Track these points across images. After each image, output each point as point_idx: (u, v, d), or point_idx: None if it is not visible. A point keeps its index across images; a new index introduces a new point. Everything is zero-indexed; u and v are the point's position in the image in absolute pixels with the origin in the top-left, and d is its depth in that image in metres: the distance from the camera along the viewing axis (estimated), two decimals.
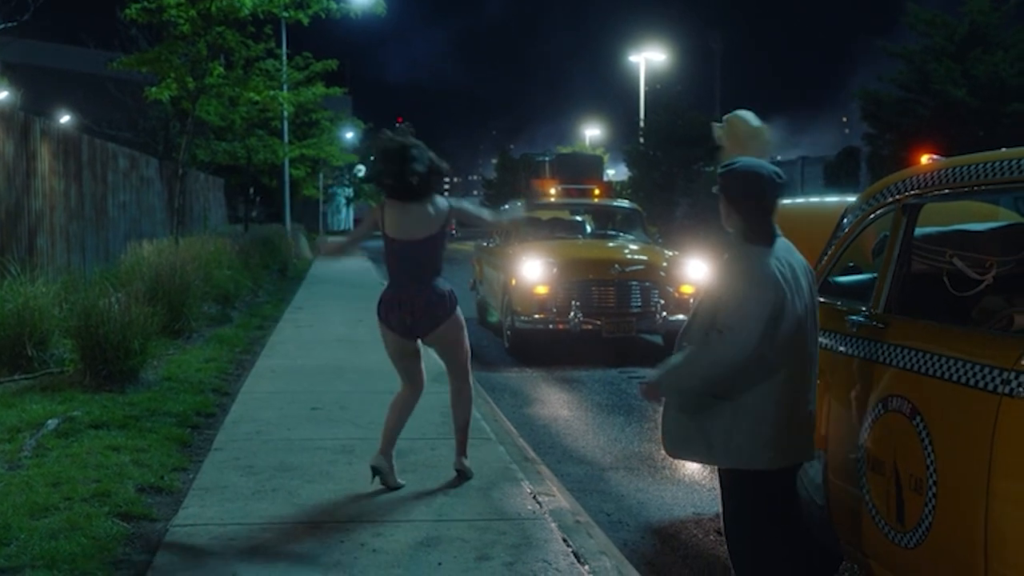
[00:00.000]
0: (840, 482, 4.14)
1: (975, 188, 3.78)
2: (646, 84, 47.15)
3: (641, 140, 42.94)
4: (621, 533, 5.60)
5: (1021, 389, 3.11)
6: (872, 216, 4.48)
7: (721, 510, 4.03)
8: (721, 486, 3.99)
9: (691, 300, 4.38)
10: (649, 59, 48.75)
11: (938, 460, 3.44)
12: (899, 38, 26.69)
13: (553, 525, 5.13)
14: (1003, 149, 3.81)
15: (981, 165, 3.72)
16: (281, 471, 6.04)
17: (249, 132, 27.71)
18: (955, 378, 3.40)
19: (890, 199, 4.31)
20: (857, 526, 4.00)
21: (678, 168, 38.60)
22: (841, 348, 4.21)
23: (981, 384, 3.27)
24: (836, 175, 33.67)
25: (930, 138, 22.46)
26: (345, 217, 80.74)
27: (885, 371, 3.85)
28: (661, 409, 4.00)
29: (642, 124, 43.94)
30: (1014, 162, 3.53)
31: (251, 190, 37.25)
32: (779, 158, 58.44)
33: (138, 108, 25.74)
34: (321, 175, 50.25)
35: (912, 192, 4.14)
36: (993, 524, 3.17)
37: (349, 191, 74.02)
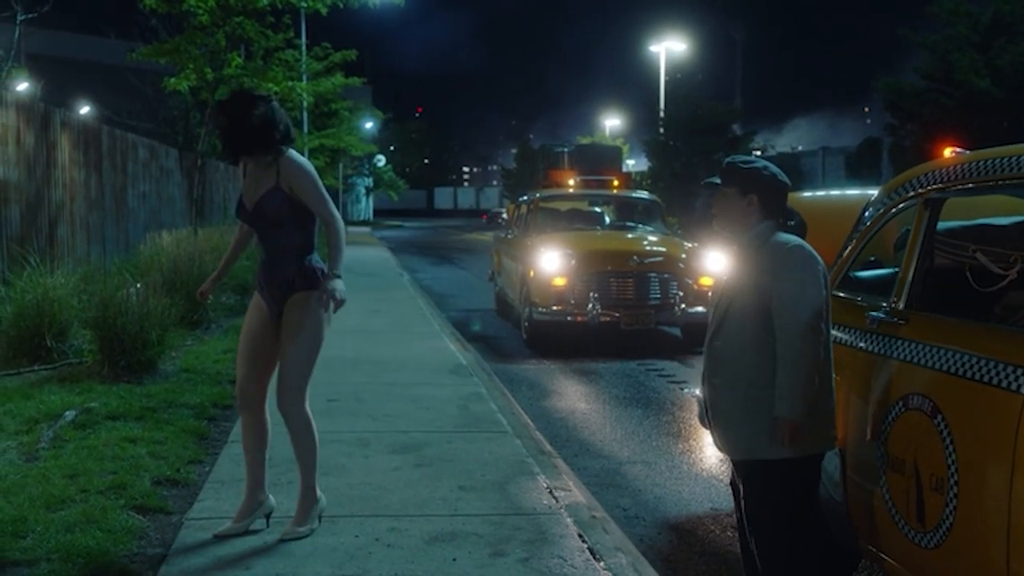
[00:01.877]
0: (859, 480, 4.09)
1: (1000, 183, 3.71)
2: (666, 74, 46.96)
3: (661, 130, 42.81)
4: (638, 529, 5.56)
5: None
6: (894, 210, 4.42)
7: (752, 506, 3.90)
8: (759, 480, 3.82)
9: (710, 293, 4.29)
10: (669, 49, 48.53)
11: (959, 460, 3.38)
12: (923, 29, 26.43)
13: (569, 520, 5.10)
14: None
15: (1006, 159, 3.65)
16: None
17: None
18: (978, 377, 3.34)
19: (912, 193, 4.24)
20: (876, 525, 3.95)
21: (698, 158, 38.45)
22: (861, 344, 4.15)
23: (1004, 383, 3.21)
24: (857, 166, 33.52)
25: (953, 129, 22.32)
26: (365, 207, 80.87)
27: (906, 368, 3.79)
28: (712, 418, 3.90)
29: (662, 114, 43.78)
30: None
31: None
32: (800, 148, 58.21)
33: (158, 99, 25.86)
34: (341, 165, 50.30)
35: (935, 186, 4.07)
36: (1015, 525, 3.11)
37: (369, 181, 74.17)
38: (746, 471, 3.86)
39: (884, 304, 4.16)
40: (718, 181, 3.97)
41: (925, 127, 25.18)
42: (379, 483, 5.67)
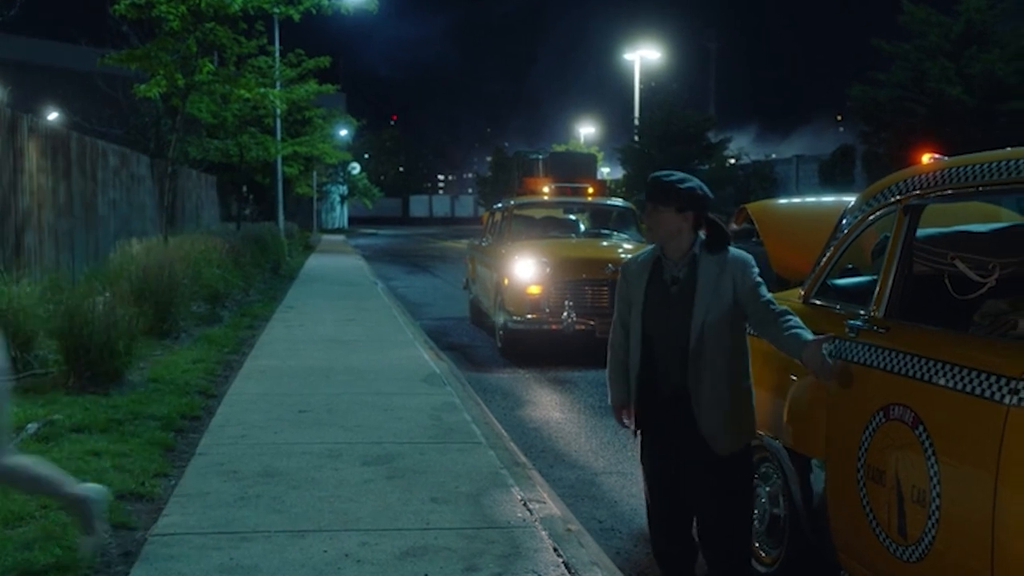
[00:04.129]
0: (838, 491, 4.01)
1: (980, 189, 3.64)
2: (641, 82, 47.05)
3: (636, 138, 42.86)
4: (614, 541, 5.47)
5: None
6: (872, 217, 4.35)
7: (737, 494, 4.11)
8: (743, 465, 4.12)
9: (619, 305, 4.39)
10: (644, 57, 48.64)
11: (942, 472, 3.31)
12: (895, 38, 26.56)
13: (544, 534, 5.00)
14: (1008, 148, 3.68)
15: (986, 165, 3.59)
16: (266, 477, 5.90)
17: (241, 129, 27.52)
18: (960, 387, 3.27)
19: (891, 200, 4.17)
20: (856, 537, 3.87)
21: (673, 166, 38.47)
22: (840, 353, 4.07)
23: (987, 393, 3.14)
24: (831, 173, 33.63)
25: (926, 136, 22.42)
26: (339, 215, 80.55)
27: (886, 378, 3.71)
28: (699, 413, 4.01)
29: (636, 122, 43.84)
30: (1022, 162, 3.40)
31: (244, 188, 37.06)
32: (774, 156, 58.42)
33: (129, 105, 25.55)
34: (315, 173, 50.02)
35: (914, 192, 4.01)
36: (1000, 539, 3.04)
37: (343, 189, 73.84)
38: (732, 463, 4.03)
39: (863, 312, 4.09)
40: (646, 198, 4.13)
41: (898, 135, 25.29)
42: (350, 496, 5.55)
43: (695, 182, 4.10)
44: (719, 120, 43.97)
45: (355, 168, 70.65)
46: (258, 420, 7.41)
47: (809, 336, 3.90)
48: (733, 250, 4.07)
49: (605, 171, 55.57)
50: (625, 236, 13.83)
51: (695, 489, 4.09)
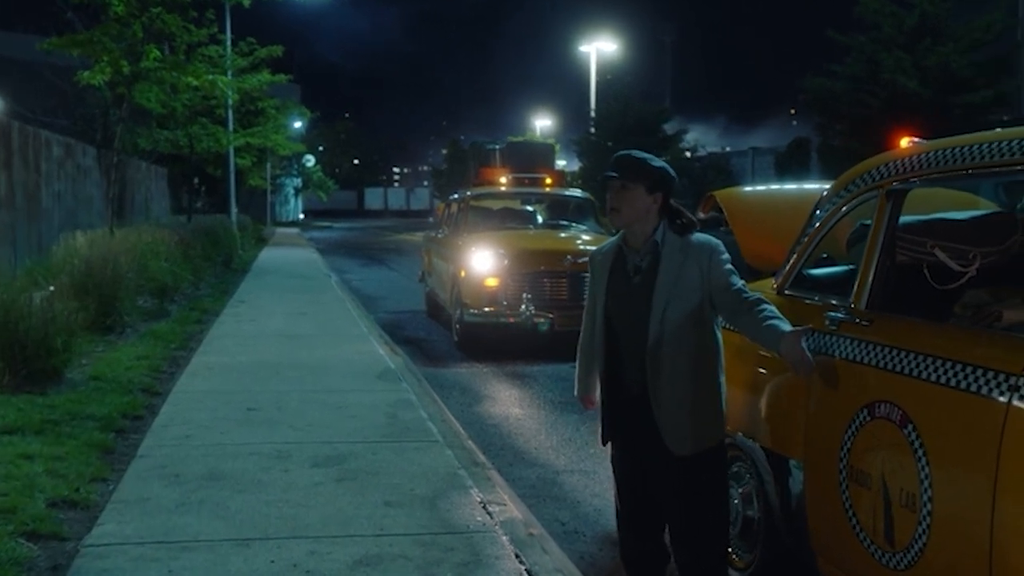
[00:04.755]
0: (818, 494, 3.78)
1: (970, 171, 3.42)
2: (597, 75, 46.86)
3: (592, 130, 42.70)
4: (578, 545, 5.22)
5: None
6: (852, 203, 4.12)
7: (703, 497, 3.82)
8: (708, 467, 3.82)
9: (588, 297, 4.12)
10: (600, 49, 48.46)
11: (934, 474, 3.09)
12: (849, 31, 26.55)
13: (505, 539, 4.73)
14: (998, 129, 3.47)
15: (976, 147, 3.37)
16: (210, 480, 5.57)
17: (192, 120, 26.91)
18: (954, 383, 3.05)
19: (872, 184, 3.95)
20: (837, 543, 3.65)
21: None
22: (819, 347, 3.83)
23: (985, 390, 2.92)
24: (787, 165, 33.69)
25: (881, 128, 22.42)
26: (294, 208, 79.82)
27: (870, 374, 3.49)
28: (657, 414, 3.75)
29: (593, 114, 43.67)
30: (1015, 143, 3.18)
31: (195, 180, 36.37)
32: (728, 149, 58.58)
33: (75, 95, 24.89)
34: (268, 165, 49.34)
35: (897, 176, 3.78)
36: (999, 545, 2.82)
37: (298, 181, 73.10)
38: (697, 464, 3.76)
39: (844, 304, 3.87)
40: (615, 175, 3.83)
41: (853, 127, 25.31)
42: (299, 500, 5.25)
43: (663, 162, 3.91)
44: (680, 113, 43.99)
45: (309, 160, 70.00)
46: (204, 419, 7.07)
47: (787, 327, 3.64)
48: (699, 235, 3.81)
49: (561, 163, 55.35)
50: (584, 227, 13.60)
51: (661, 490, 3.85)
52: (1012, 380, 2.83)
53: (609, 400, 3.93)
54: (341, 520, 4.94)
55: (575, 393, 4.25)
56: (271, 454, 6.17)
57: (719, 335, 3.85)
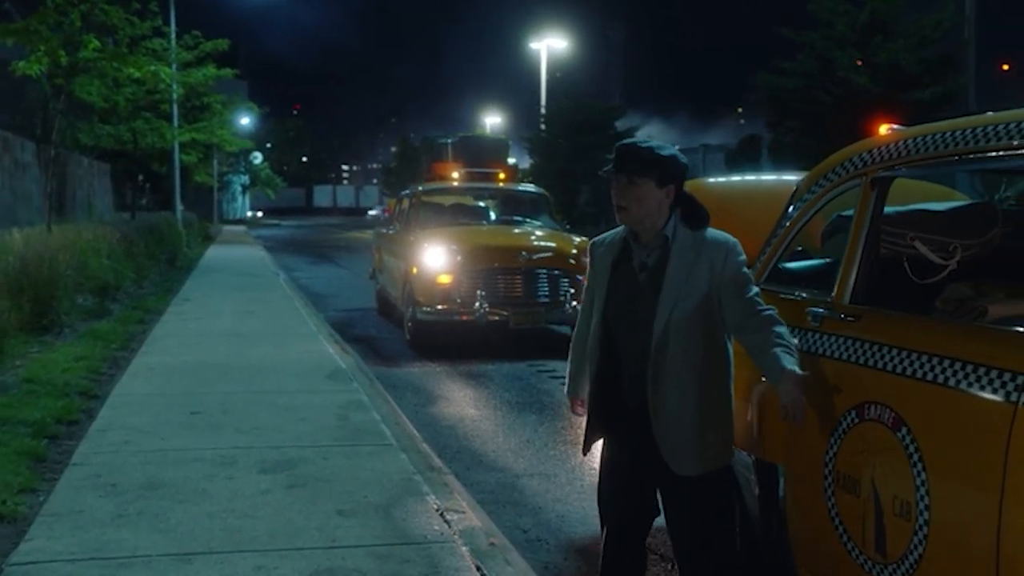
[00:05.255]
0: (802, 501, 3.55)
1: (960, 157, 3.21)
2: (547, 72, 46.70)
3: (543, 127, 42.54)
4: (541, 554, 4.95)
5: None
6: (833, 192, 3.90)
7: (709, 522, 3.45)
8: (716, 491, 3.46)
9: (584, 297, 3.74)
10: (550, 46, 48.28)
11: (931, 481, 2.87)
12: (800, 29, 26.58)
13: (464, 550, 4.46)
14: (990, 113, 3.27)
15: (970, 131, 3.15)
16: (149, 489, 5.23)
17: (135, 115, 26.25)
18: (953, 383, 2.83)
19: (855, 172, 3.73)
20: (823, 554, 3.42)
21: (580, 155, 38.28)
22: (800, 344, 3.60)
23: (989, 391, 2.70)
24: (737, 162, 33.77)
25: (833, 125, 22.45)
26: (242, 205, 78.89)
27: (858, 373, 3.26)
28: (662, 435, 3.38)
29: (543, 111, 43.50)
30: (1013, 126, 2.97)
31: (140, 176, 35.59)
32: (677, 147, 58.82)
33: (13, 88, 24.17)
34: (215, 162, 48.56)
35: (883, 163, 3.56)
36: (1006, 559, 2.61)
37: (245, 179, 72.22)
38: (702, 487, 3.39)
39: (826, 299, 3.64)
40: (621, 169, 3.45)
41: (805, 124, 25.34)
42: (244, 510, 4.93)
43: (674, 148, 3.50)
44: (631, 109, 43.86)
45: (257, 157, 69.25)
46: (144, 423, 6.72)
47: (792, 361, 3.28)
48: (715, 232, 3.44)
49: (512, 161, 55.18)
50: (538, 223, 13.37)
51: (665, 507, 3.52)
52: (1020, 380, 2.62)
53: (600, 409, 3.56)
54: (290, 531, 4.64)
55: (565, 392, 3.89)
56: (215, 460, 5.83)
57: (731, 346, 3.50)
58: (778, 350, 3.30)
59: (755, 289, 3.41)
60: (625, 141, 3.53)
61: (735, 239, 3.45)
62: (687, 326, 3.33)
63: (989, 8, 30.05)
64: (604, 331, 3.50)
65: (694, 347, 3.34)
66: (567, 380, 3.85)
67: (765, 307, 3.38)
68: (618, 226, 3.57)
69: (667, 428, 3.36)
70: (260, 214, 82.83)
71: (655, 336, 3.34)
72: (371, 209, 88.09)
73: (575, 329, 3.80)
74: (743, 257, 3.41)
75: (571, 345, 3.80)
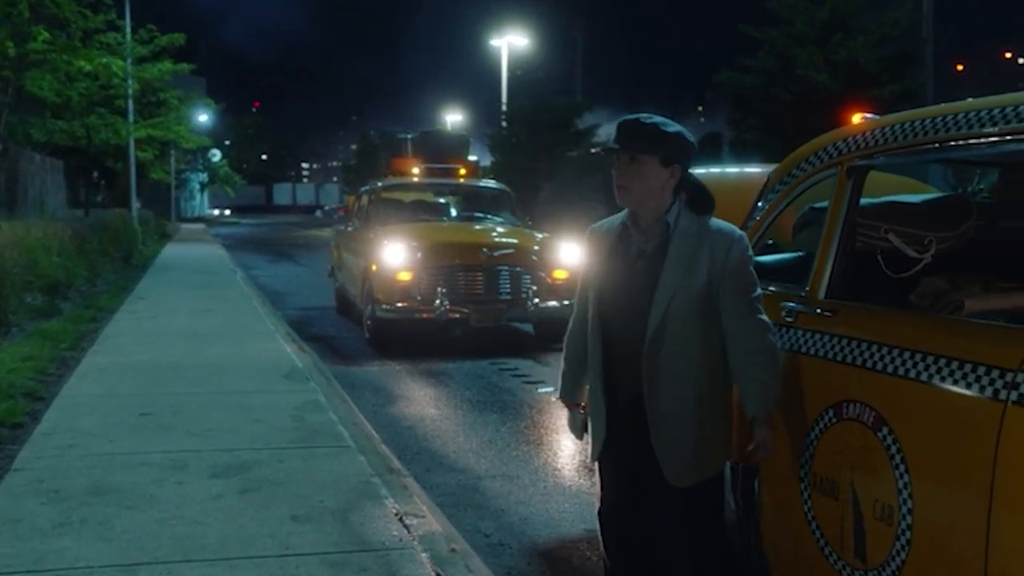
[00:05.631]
0: (776, 504, 3.42)
1: (943, 144, 3.08)
2: (509, 69, 46.57)
3: (504, 124, 42.39)
4: (504, 559, 4.78)
5: None
6: (807, 182, 3.77)
7: (698, 533, 3.24)
8: (707, 500, 3.25)
9: (580, 289, 3.47)
10: (512, 43, 48.14)
11: (915, 483, 2.73)
12: (761, 26, 26.63)
13: (424, 556, 4.27)
14: (970, 99, 3.14)
15: (951, 117, 3.02)
16: (94, 495, 5.00)
17: (89, 110, 25.76)
18: (938, 380, 2.69)
19: (829, 162, 3.59)
20: (798, 560, 3.29)
21: (542, 152, 38.20)
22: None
23: (977, 389, 2.56)
24: (698, 159, 33.83)
25: (794, 122, 22.48)
26: (200, 203, 78.08)
27: (836, 370, 3.12)
28: (657, 440, 3.18)
29: (505, 108, 43.36)
30: (1009, 110, 2.83)
31: (94, 173, 35.03)
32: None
33: None
34: (173, 159, 47.90)
35: (859, 152, 3.43)
36: (995, 566, 2.47)
37: (204, 176, 71.42)
38: (694, 496, 3.17)
39: (800, 293, 3.51)
40: (623, 146, 3.21)
41: (766, 121, 25.40)
42: (194, 516, 4.71)
43: (679, 126, 3.26)
44: (593, 107, 43.77)
45: (216, 155, 68.53)
46: (92, 426, 6.47)
47: (775, 389, 3.15)
48: (722, 222, 3.23)
49: (473, 159, 55.01)
50: (500, 220, 13.20)
51: (652, 513, 3.29)
52: (1009, 376, 2.48)
53: (600, 409, 3.32)
54: (242, 539, 4.43)
55: (558, 395, 3.64)
56: (165, 464, 5.61)
57: None
58: (765, 375, 3.14)
59: (756, 291, 3.19)
60: (628, 116, 3.28)
61: (743, 232, 3.26)
62: (685, 318, 3.12)
63: (943, 10, 30.31)
64: (600, 323, 3.28)
65: (693, 341, 3.13)
66: (559, 380, 3.61)
67: (762, 315, 3.18)
68: (619, 211, 3.36)
69: (664, 431, 3.14)
70: (228, 212, 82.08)
71: (651, 328, 3.13)
72: (318, 209, 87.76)
73: (569, 323, 3.55)
74: (750, 252, 3.22)
75: (565, 341, 3.57)
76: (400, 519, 4.75)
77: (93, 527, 4.54)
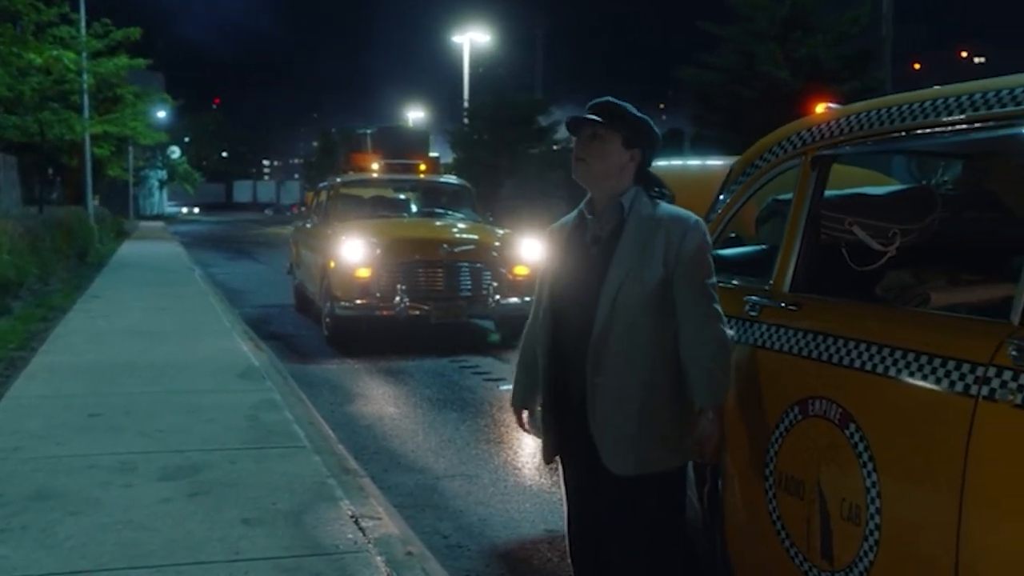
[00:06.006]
0: (740, 504, 3.32)
1: (910, 133, 2.99)
2: (470, 66, 46.44)
3: (466, 121, 42.27)
4: (462, 561, 4.66)
5: (1004, 390, 2.33)
6: (770, 172, 3.68)
7: (641, 528, 3.09)
8: (653, 495, 3.08)
9: (541, 278, 3.32)
10: (473, 40, 48.02)
11: (883, 481, 2.64)
12: (722, 23, 26.69)
13: (380, 560, 4.14)
14: (936, 87, 3.06)
15: (918, 105, 2.94)
16: (38, 500, 4.82)
17: (42, 105, 25.29)
18: (906, 376, 2.61)
19: (793, 152, 3.51)
20: (763, 561, 3.19)
21: (504, 149, 38.10)
22: (737, 336, 3.36)
23: (947, 384, 2.48)
24: (660, 154, 33.90)
25: (755, 118, 22.53)
26: (159, 201, 77.17)
27: (801, 365, 3.03)
28: (599, 434, 3.05)
29: (466, 105, 43.24)
30: (977, 96, 2.75)
31: (49, 170, 34.46)
32: None
33: None
34: (131, 156, 47.27)
35: (823, 141, 3.34)
36: (965, 565, 2.39)
37: (163, 174, 70.60)
38: (636, 488, 3.03)
39: (764, 286, 3.41)
40: (593, 117, 3.13)
41: (728, 118, 25.45)
42: (142, 521, 4.55)
43: (649, 118, 3.22)
44: (555, 104, 43.74)
45: (175, 152, 67.76)
46: (38, 428, 6.27)
47: (724, 385, 3.03)
48: (679, 209, 3.15)
49: (435, 155, 54.82)
50: (460, 216, 13.07)
51: (602, 509, 3.17)
52: (980, 371, 2.40)
53: (551, 406, 3.23)
54: (190, 544, 4.28)
55: (511, 402, 3.49)
56: (113, 467, 5.43)
57: None
58: (715, 368, 3.01)
59: (711, 280, 3.08)
60: (598, 99, 3.22)
61: (700, 218, 3.16)
62: (637, 306, 3.00)
63: (902, 9, 30.53)
64: (552, 317, 3.17)
65: (643, 331, 3.01)
66: (513, 386, 3.49)
67: (711, 305, 3.06)
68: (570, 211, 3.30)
69: (605, 416, 3.02)
70: (197, 210, 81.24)
71: (600, 316, 3.01)
72: (267, 207, 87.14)
73: (525, 328, 3.42)
74: (708, 239, 3.12)
75: (519, 347, 3.45)
76: (355, 521, 4.62)
77: (35, 533, 4.36)
